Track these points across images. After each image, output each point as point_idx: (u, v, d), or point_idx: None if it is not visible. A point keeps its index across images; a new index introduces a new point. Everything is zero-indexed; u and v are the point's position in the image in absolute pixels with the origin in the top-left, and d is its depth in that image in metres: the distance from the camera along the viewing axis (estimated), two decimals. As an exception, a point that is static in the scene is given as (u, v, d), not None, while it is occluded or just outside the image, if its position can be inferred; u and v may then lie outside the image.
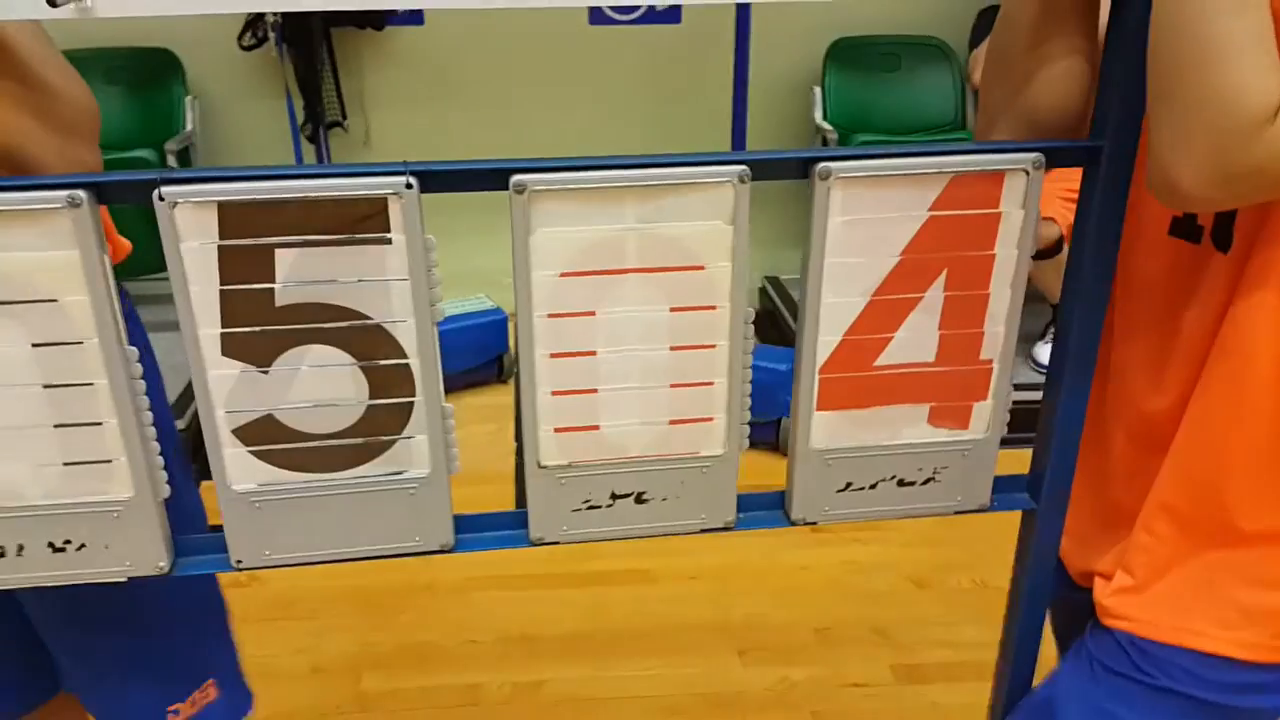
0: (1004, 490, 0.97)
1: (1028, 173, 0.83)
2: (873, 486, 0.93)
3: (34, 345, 0.77)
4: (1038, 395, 0.94)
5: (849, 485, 0.93)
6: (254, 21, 3.10)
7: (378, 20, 3.17)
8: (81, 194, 0.73)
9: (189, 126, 3.16)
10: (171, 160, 2.98)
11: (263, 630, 2.09)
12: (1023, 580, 1.00)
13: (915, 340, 0.88)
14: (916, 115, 3.43)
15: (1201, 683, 0.92)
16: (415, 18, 3.20)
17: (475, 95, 3.24)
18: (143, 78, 3.14)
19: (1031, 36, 0.86)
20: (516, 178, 0.77)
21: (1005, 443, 0.94)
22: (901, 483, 0.94)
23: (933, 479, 0.94)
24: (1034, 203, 0.84)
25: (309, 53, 3.16)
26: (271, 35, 3.12)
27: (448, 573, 2.28)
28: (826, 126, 3.35)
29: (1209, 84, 0.71)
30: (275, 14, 2.94)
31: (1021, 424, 0.97)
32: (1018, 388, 0.92)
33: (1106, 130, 0.82)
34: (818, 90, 3.41)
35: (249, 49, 3.16)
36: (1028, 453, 0.96)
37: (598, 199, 0.79)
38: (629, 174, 0.79)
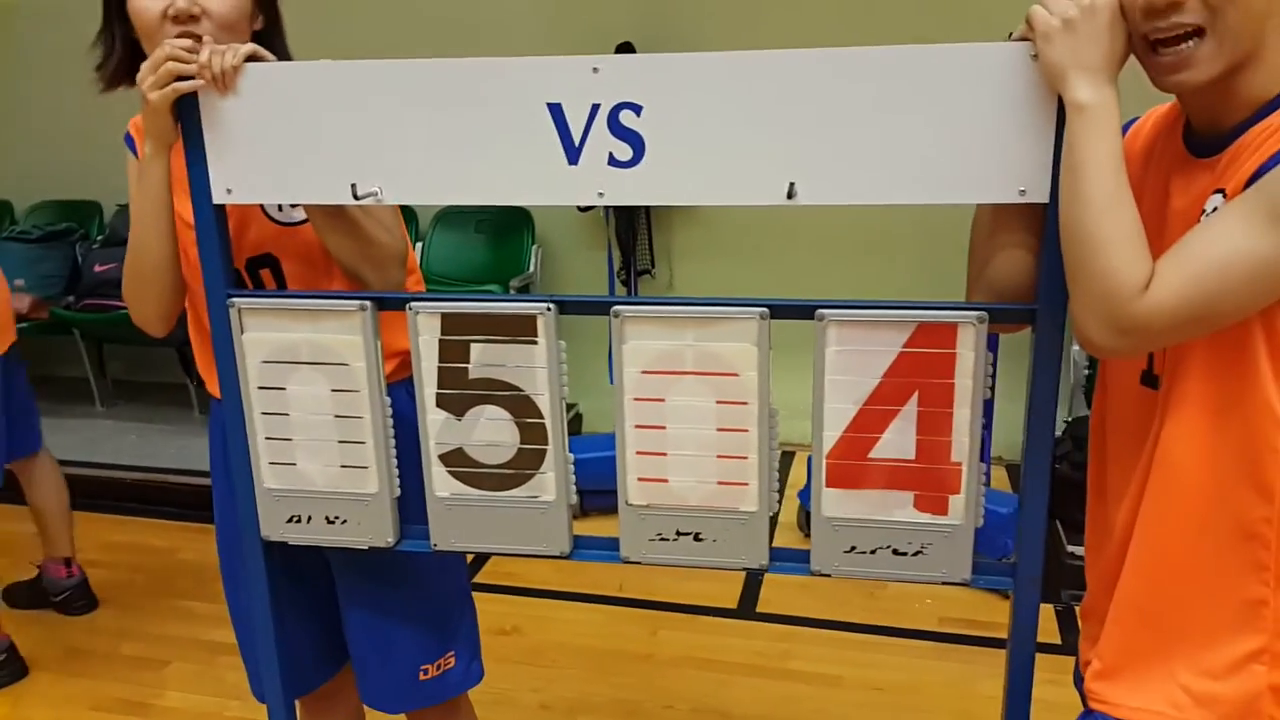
0: (985, 573, 1.23)
1: (975, 325, 1.14)
2: (872, 552, 1.24)
3: (332, 390, 1.30)
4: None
5: (854, 548, 1.24)
6: (590, 189, 3.82)
7: (687, 189, 3.80)
8: (368, 303, 1.26)
9: (531, 269, 3.92)
10: (514, 296, 3.73)
11: (513, 669, 2.57)
12: (1010, 649, 1.24)
13: (898, 441, 1.19)
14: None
15: (1158, 755, 1.11)
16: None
17: (763, 250, 3.72)
18: (502, 229, 3.97)
19: (989, 232, 1.18)
20: (615, 306, 1.21)
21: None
22: (896, 552, 1.23)
23: (921, 552, 1.22)
24: (983, 346, 1.14)
25: (630, 216, 3.84)
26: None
27: (666, 649, 2.66)
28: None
29: (1094, 268, 1.00)
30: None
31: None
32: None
33: (1039, 298, 1.12)
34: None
35: (584, 210, 3.90)
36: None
37: (667, 323, 1.21)
38: (688, 309, 1.20)
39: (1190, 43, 0.97)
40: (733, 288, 3.75)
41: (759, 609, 2.88)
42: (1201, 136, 1.06)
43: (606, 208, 3.84)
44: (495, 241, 3.99)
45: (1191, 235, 0.98)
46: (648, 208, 3.89)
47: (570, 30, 3.82)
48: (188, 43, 1.22)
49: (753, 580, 3.00)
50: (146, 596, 3.06)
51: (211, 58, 1.19)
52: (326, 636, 1.65)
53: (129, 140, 1.44)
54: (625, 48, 3.63)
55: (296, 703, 1.67)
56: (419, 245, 4.06)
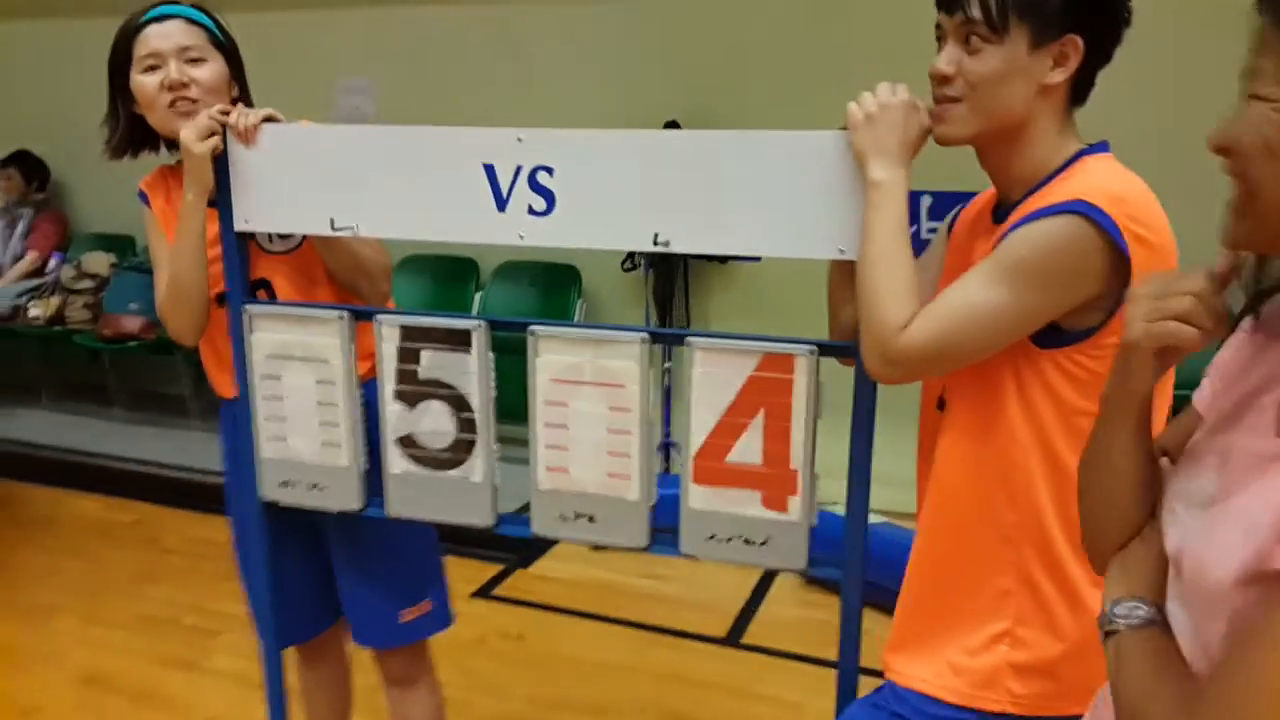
0: (818, 564, 1.48)
1: (808, 356, 1.41)
2: (728, 540, 1.50)
3: (316, 381, 1.64)
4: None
5: (714, 536, 1.51)
6: (634, 251, 4.16)
7: (723, 256, 4.09)
8: (345, 314, 1.60)
9: (575, 320, 4.27)
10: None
11: (512, 668, 2.86)
12: (842, 630, 1.49)
13: (749, 448, 1.46)
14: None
15: (923, 715, 1.34)
16: (753, 256, 4.07)
17: (794, 310, 3.97)
18: (552, 283, 4.33)
19: (835, 285, 1.45)
20: (531, 326, 1.52)
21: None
22: (747, 541, 1.49)
23: (766, 543, 1.48)
24: (814, 374, 1.41)
25: (669, 277, 4.16)
26: (643, 262, 4.16)
27: (653, 665, 2.92)
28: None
29: (869, 311, 1.26)
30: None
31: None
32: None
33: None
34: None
35: (627, 270, 4.24)
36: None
37: (572, 343, 1.51)
38: (587, 331, 1.50)
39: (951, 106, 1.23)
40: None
41: (744, 640, 3.11)
42: (1000, 207, 1.32)
43: (648, 267, 4.17)
44: (546, 294, 4.35)
45: (948, 287, 1.24)
46: (686, 269, 4.21)
47: (625, 108, 4.18)
48: (225, 106, 1.60)
49: (744, 614, 3.24)
50: (212, 580, 3.46)
51: (239, 118, 1.56)
52: (322, 593, 1.97)
53: (142, 196, 1.79)
54: (671, 124, 3.99)
55: (295, 651, 2.01)
56: (479, 294, 4.46)
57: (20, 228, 5.07)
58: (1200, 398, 0.95)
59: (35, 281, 4.93)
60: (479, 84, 4.43)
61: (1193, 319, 0.82)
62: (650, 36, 4.17)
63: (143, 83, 1.67)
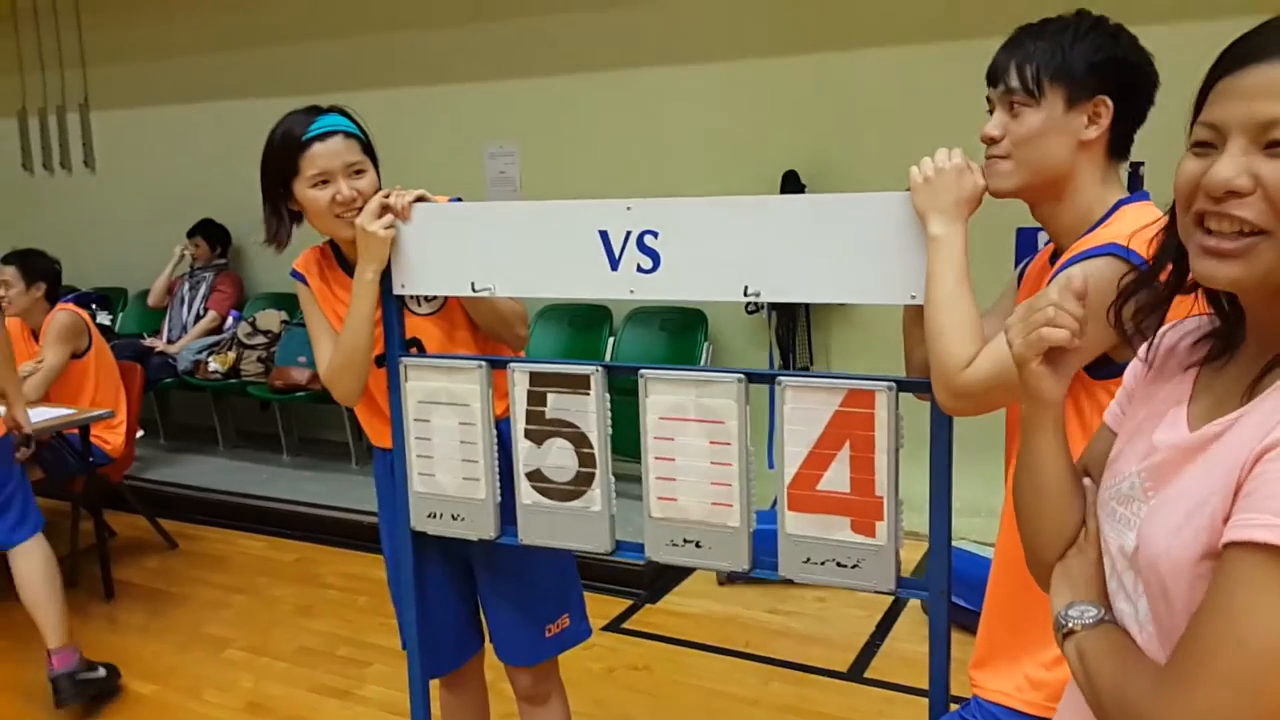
0: (906, 586, 1.61)
1: (887, 392, 1.56)
2: (822, 563, 1.65)
3: (459, 423, 1.88)
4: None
5: (809, 559, 1.66)
6: (760, 295, 4.34)
7: (846, 298, 4.24)
8: (484, 364, 1.84)
9: (702, 362, 4.46)
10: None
11: (634, 696, 3.03)
12: (931, 647, 1.61)
13: (837, 478, 1.61)
14: None
15: (1005, 727, 1.46)
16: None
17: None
18: (681, 327, 4.55)
19: (909, 328, 1.59)
20: (642, 371, 1.72)
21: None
22: (839, 564, 1.64)
23: (857, 565, 1.62)
24: (894, 408, 1.56)
25: (791, 319, 4.31)
26: (766, 305, 4.33)
27: (775, 698, 3.04)
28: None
29: (936, 349, 1.41)
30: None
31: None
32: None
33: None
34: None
35: (751, 313, 4.41)
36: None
37: (677, 384, 1.70)
38: (690, 373, 1.69)
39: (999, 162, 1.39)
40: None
41: (866, 675, 3.20)
42: (1056, 255, 1.45)
43: (770, 310, 4.33)
44: (674, 338, 4.57)
45: None
46: (808, 310, 4.35)
47: (749, 160, 4.38)
48: (389, 191, 1.85)
49: (867, 649, 3.32)
50: (365, 614, 3.77)
51: (396, 199, 1.83)
52: (467, 625, 2.19)
53: (298, 276, 2.00)
54: (790, 175, 4.17)
55: (438, 683, 2.23)
56: (611, 340, 4.71)
57: (203, 290, 5.62)
58: (1111, 415, 1.07)
59: (215, 338, 5.45)
60: (611, 144, 4.72)
61: (1058, 321, 0.95)
62: (774, 93, 4.37)
63: (314, 197, 1.87)
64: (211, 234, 5.68)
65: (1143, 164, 1.57)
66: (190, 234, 5.68)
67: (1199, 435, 0.87)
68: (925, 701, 3.03)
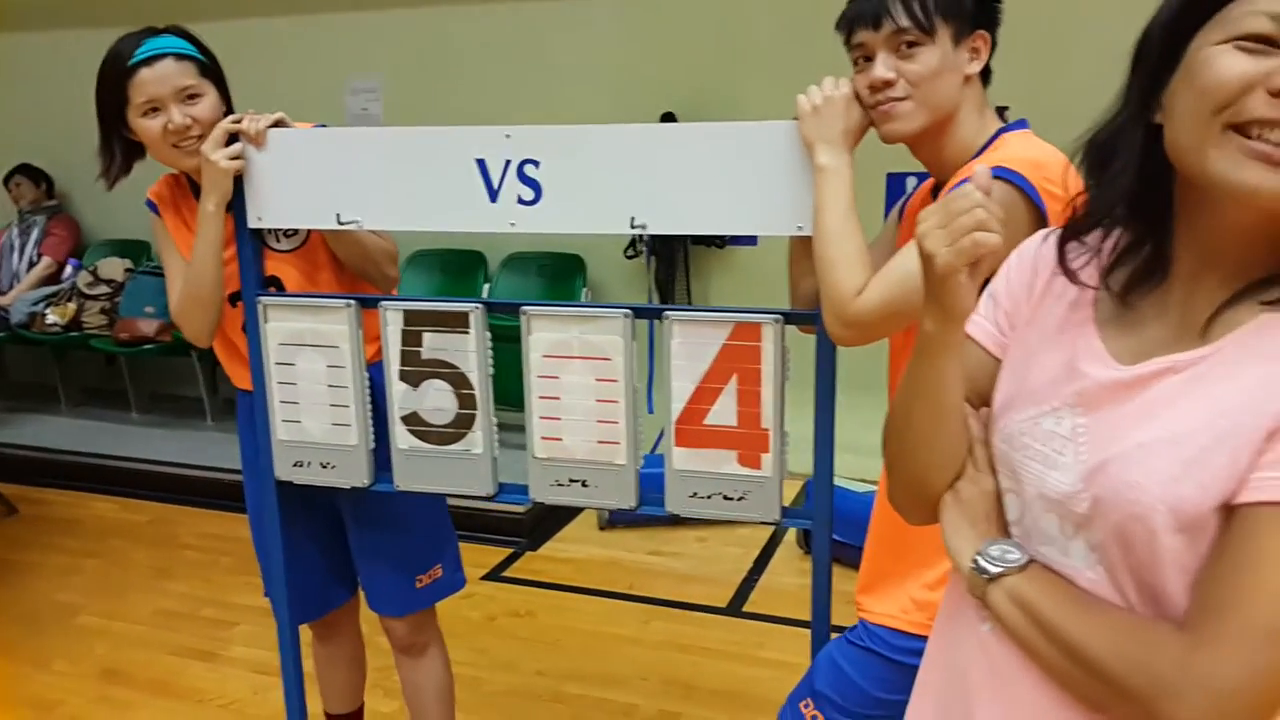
0: (790, 516, 1.61)
1: (774, 325, 1.54)
2: (709, 497, 1.63)
3: (327, 366, 1.77)
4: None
5: (695, 494, 1.63)
6: (636, 239, 4.28)
7: (720, 240, 4.22)
8: (353, 302, 1.74)
9: (580, 309, 4.41)
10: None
11: (521, 644, 2.99)
12: (814, 579, 1.62)
13: (724, 411, 1.59)
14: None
15: (889, 647, 1.47)
16: (750, 239, 4.18)
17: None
18: (558, 272, 4.47)
19: (795, 259, 1.57)
20: (524, 307, 1.65)
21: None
22: (725, 497, 1.62)
23: (744, 498, 1.61)
24: (780, 341, 1.54)
25: (670, 263, 4.29)
26: (644, 249, 4.29)
27: (656, 636, 3.05)
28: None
29: (827, 279, 1.39)
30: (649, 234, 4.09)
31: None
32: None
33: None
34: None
35: (630, 258, 4.37)
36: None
37: (561, 320, 1.64)
38: (574, 309, 1.63)
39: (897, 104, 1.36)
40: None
41: (744, 609, 3.24)
42: (938, 189, 1.45)
43: (649, 254, 4.30)
44: (552, 283, 4.49)
45: (894, 256, 1.37)
46: (686, 254, 4.33)
47: (624, 101, 4.30)
48: (239, 116, 1.72)
49: (745, 585, 3.37)
50: (228, 574, 3.60)
51: (250, 124, 1.69)
52: (336, 570, 2.10)
53: (151, 206, 1.87)
54: (668, 116, 4.12)
55: (310, 630, 2.14)
56: (487, 285, 4.60)
57: (35, 234, 5.22)
58: (985, 333, 0.99)
59: (52, 288, 5.08)
60: (483, 82, 4.56)
61: (988, 225, 0.83)
62: (648, 32, 4.29)
63: (146, 126, 1.74)
64: (35, 175, 5.28)
65: (1007, 108, 1.59)
66: (8, 177, 5.26)
67: (1149, 369, 0.81)
68: (800, 632, 3.08)
